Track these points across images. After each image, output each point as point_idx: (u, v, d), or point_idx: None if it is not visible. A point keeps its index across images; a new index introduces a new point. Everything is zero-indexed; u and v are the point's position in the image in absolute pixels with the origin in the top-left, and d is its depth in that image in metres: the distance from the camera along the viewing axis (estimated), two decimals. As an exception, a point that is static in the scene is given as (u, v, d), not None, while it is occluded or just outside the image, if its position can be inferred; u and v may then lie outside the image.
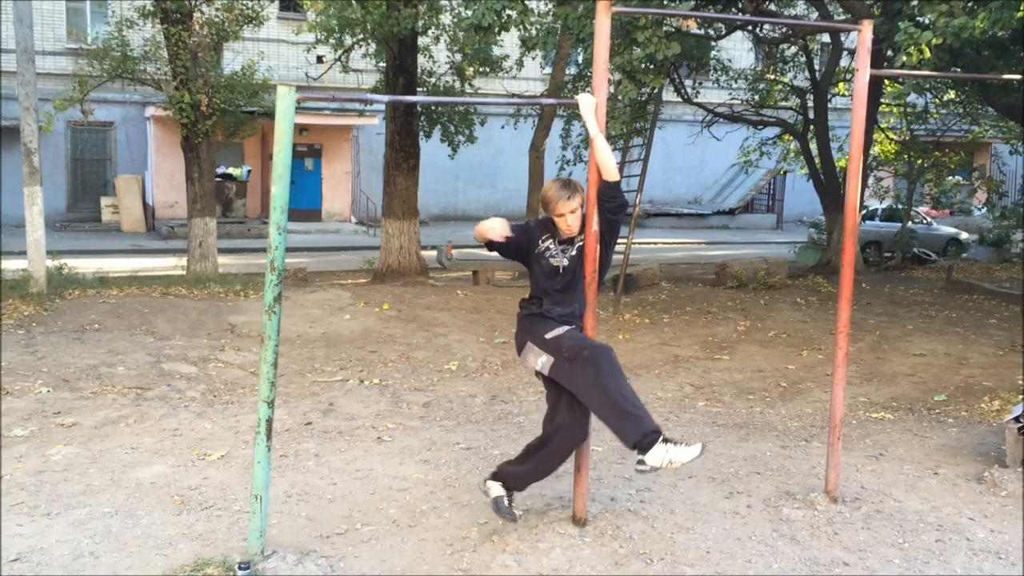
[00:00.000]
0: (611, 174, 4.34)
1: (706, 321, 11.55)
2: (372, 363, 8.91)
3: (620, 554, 4.38)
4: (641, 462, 4.10)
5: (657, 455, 4.06)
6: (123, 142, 27.38)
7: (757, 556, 4.43)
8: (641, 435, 4.10)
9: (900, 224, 21.97)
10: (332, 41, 16.88)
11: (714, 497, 5.17)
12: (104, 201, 26.86)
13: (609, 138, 13.96)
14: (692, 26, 15.20)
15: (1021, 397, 7.30)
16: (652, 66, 10.95)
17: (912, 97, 18.48)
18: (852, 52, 16.17)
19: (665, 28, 10.49)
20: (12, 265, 12.93)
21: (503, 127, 22.98)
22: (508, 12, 11.27)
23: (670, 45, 10.44)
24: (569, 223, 4.38)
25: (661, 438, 4.09)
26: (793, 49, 20.36)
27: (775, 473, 5.65)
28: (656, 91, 12.62)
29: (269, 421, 4.01)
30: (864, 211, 22.81)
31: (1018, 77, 9.26)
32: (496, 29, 12.50)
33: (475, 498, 5.05)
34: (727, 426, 7.02)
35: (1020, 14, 8.49)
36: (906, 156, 21.52)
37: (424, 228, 19.22)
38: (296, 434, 6.32)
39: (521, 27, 12.63)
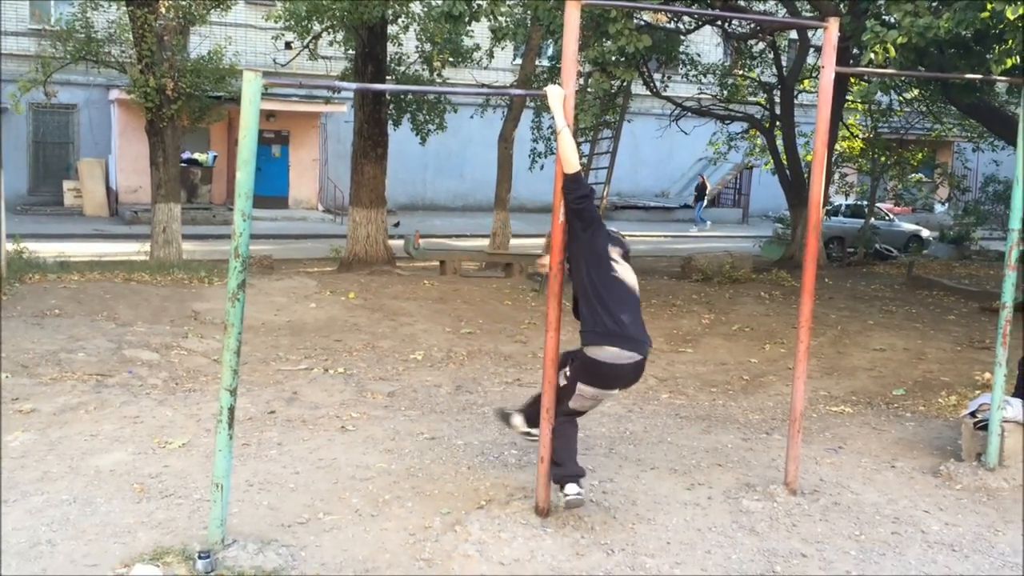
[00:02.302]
0: (570, 166, 4.40)
1: (671, 314, 11.62)
2: (337, 352, 8.87)
3: (581, 544, 4.41)
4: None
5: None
6: (86, 125, 26.95)
7: (716, 547, 4.48)
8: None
9: (863, 220, 22.23)
10: (300, 28, 16.74)
11: (675, 488, 5.22)
12: (66, 185, 26.44)
13: (579, 130, 14.01)
14: (662, 20, 15.26)
15: (977, 392, 7.44)
16: (623, 59, 10.99)
17: (877, 95, 18.68)
18: (819, 49, 16.32)
19: (635, 21, 10.54)
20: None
21: (472, 117, 22.92)
22: (478, 2, 11.25)
23: (641, 38, 10.48)
24: None
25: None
26: (761, 45, 20.48)
27: (736, 465, 5.71)
28: (626, 84, 12.66)
29: (231, 409, 3.99)
30: (828, 207, 23.07)
31: (980, 77, 9.38)
32: (466, 18, 12.47)
33: (438, 488, 5.06)
34: (690, 418, 7.08)
35: (984, 14, 8.61)
36: (870, 153, 21.77)
37: (392, 217, 19.15)
38: (259, 422, 6.28)
39: (491, 17, 12.62)
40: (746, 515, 4.87)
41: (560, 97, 4.43)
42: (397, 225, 22.34)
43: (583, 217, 4.48)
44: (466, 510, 4.70)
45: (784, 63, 19.55)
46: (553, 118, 4.52)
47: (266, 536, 4.32)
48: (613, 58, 10.88)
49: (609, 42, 10.83)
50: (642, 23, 12.27)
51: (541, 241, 5.39)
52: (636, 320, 4.58)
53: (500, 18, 14.04)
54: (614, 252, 4.62)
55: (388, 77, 16.96)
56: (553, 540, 4.42)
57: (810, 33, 18.13)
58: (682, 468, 5.58)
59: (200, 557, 3.92)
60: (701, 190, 31.04)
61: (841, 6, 12.72)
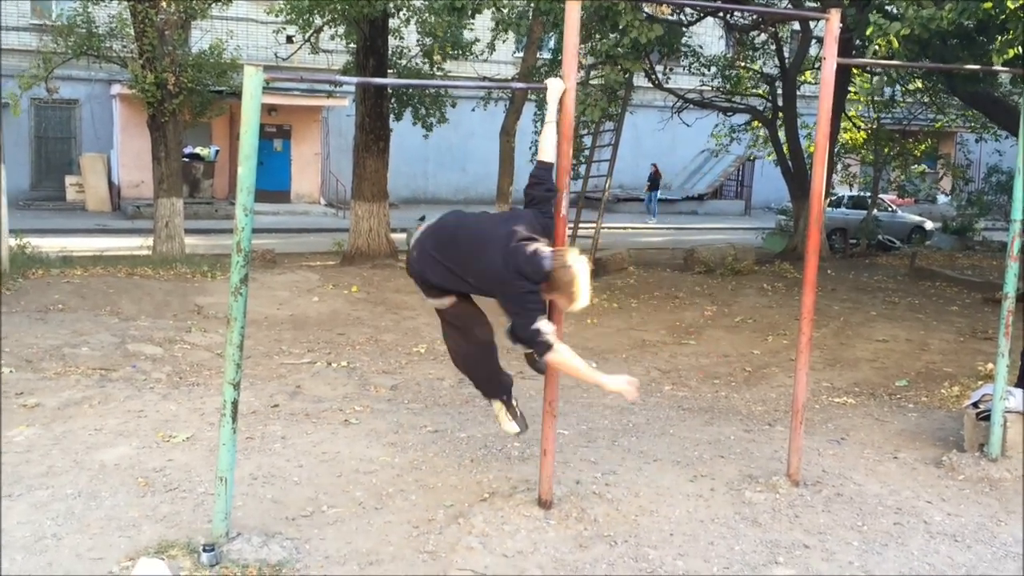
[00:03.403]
0: (547, 156, 4.47)
1: (673, 306, 11.62)
2: (340, 345, 8.89)
3: (584, 536, 4.42)
4: None
5: None
6: (88, 120, 26.94)
7: (719, 538, 4.49)
8: None
9: (866, 211, 22.20)
10: (301, 21, 16.71)
11: (678, 480, 5.22)
12: (69, 180, 26.45)
13: (582, 123, 13.94)
14: (664, 12, 15.23)
15: (980, 383, 7.44)
16: (632, 51, 11.01)
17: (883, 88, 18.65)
18: (821, 40, 16.30)
19: (646, 11, 10.61)
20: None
21: (473, 110, 22.89)
22: (482, -8, 11.28)
23: (652, 28, 10.50)
24: None
25: None
26: (763, 37, 20.43)
27: (738, 457, 5.71)
28: (628, 76, 12.66)
29: (235, 403, 4.00)
30: (831, 198, 23.03)
31: (983, 68, 9.36)
32: (469, 10, 12.48)
33: (441, 481, 5.07)
34: (692, 410, 7.09)
35: (986, 5, 8.59)
36: (873, 144, 21.72)
37: (394, 211, 19.14)
38: (262, 416, 6.30)
39: (494, 8, 12.62)
40: (749, 506, 4.88)
41: (559, 91, 4.41)
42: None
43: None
44: (469, 503, 4.71)
45: (786, 54, 19.49)
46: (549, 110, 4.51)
47: (270, 529, 4.33)
48: (622, 50, 10.89)
49: (615, 35, 10.84)
50: (644, 15, 12.25)
51: None
52: (441, 245, 4.22)
53: (503, 10, 14.03)
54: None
55: (389, 71, 16.94)
56: (556, 532, 4.43)
57: (812, 24, 18.08)
58: (685, 460, 5.59)
59: (205, 550, 3.94)
60: (655, 180, 30.41)
61: (843, -3, 12.68)
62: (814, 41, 18.79)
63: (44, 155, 26.96)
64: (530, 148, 19.56)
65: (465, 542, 4.30)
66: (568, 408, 6.65)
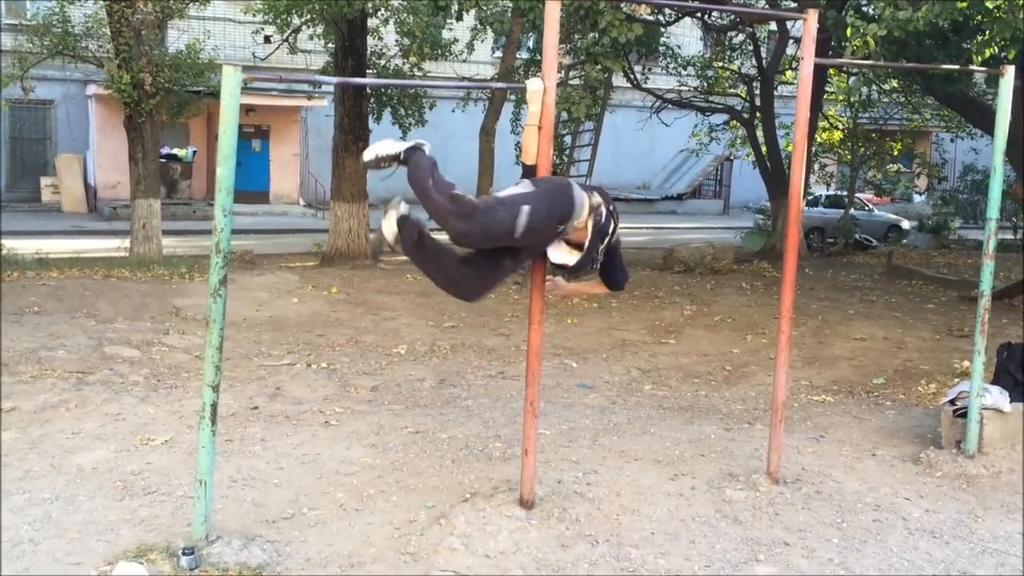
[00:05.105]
0: (527, 158, 4.60)
1: (653, 306, 11.65)
2: (320, 347, 8.85)
3: (566, 536, 4.42)
4: None
5: None
6: (63, 121, 26.69)
7: (700, 537, 4.51)
8: None
9: (843, 210, 22.38)
10: (279, 21, 16.64)
11: (659, 479, 5.24)
12: (44, 181, 26.21)
13: (562, 123, 13.95)
14: (642, 12, 15.28)
15: (956, 380, 7.50)
16: (612, 49, 11.07)
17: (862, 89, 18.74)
18: (799, 40, 16.39)
19: (625, 11, 10.65)
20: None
21: (453, 111, 22.86)
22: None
23: (632, 27, 10.55)
24: None
25: None
26: (741, 37, 20.54)
27: (719, 455, 5.74)
28: (608, 75, 12.70)
29: (214, 405, 3.97)
30: (808, 197, 23.20)
31: (959, 68, 9.44)
32: (453, 9, 12.48)
33: (423, 482, 5.06)
34: (672, 409, 7.11)
35: (962, 4, 8.67)
36: (850, 143, 21.90)
37: (373, 211, 19.08)
38: (242, 418, 6.26)
39: (476, 7, 12.64)
40: (729, 505, 4.90)
41: (539, 93, 4.40)
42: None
43: None
44: (451, 503, 4.70)
45: (764, 54, 19.61)
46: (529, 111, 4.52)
47: (250, 532, 4.31)
48: (602, 49, 10.94)
49: (595, 34, 10.87)
50: (624, 14, 12.31)
51: None
52: None
53: (485, 8, 14.03)
54: None
55: (368, 71, 16.90)
56: (538, 532, 4.43)
57: (790, 25, 18.20)
58: (666, 459, 5.61)
59: (184, 554, 3.91)
60: None
61: (820, -3, 12.76)
62: (792, 41, 18.91)
63: (19, 156, 26.69)
64: (515, 149, 19.58)
65: (447, 543, 4.29)
66: (549, 408, 6.66)
